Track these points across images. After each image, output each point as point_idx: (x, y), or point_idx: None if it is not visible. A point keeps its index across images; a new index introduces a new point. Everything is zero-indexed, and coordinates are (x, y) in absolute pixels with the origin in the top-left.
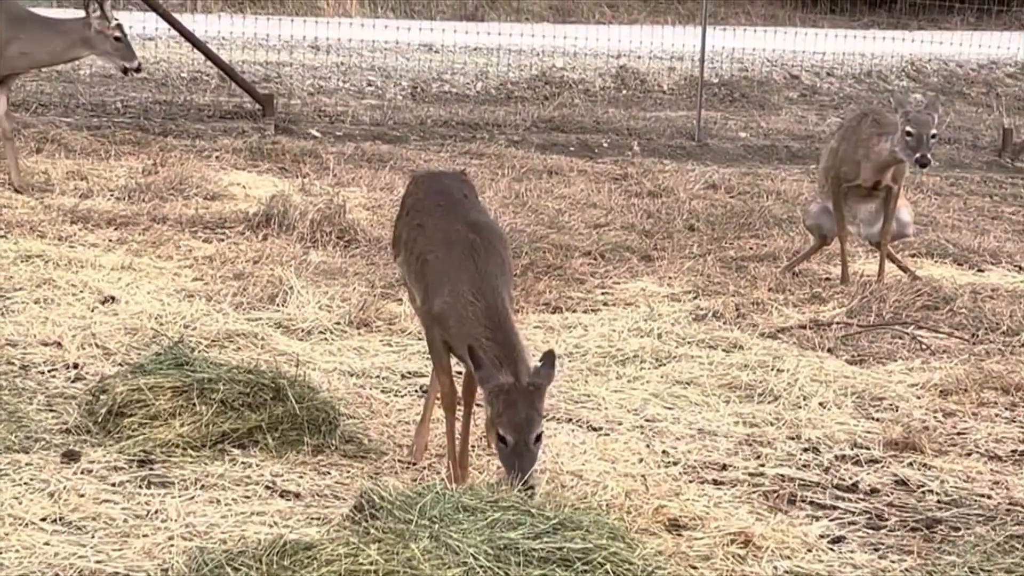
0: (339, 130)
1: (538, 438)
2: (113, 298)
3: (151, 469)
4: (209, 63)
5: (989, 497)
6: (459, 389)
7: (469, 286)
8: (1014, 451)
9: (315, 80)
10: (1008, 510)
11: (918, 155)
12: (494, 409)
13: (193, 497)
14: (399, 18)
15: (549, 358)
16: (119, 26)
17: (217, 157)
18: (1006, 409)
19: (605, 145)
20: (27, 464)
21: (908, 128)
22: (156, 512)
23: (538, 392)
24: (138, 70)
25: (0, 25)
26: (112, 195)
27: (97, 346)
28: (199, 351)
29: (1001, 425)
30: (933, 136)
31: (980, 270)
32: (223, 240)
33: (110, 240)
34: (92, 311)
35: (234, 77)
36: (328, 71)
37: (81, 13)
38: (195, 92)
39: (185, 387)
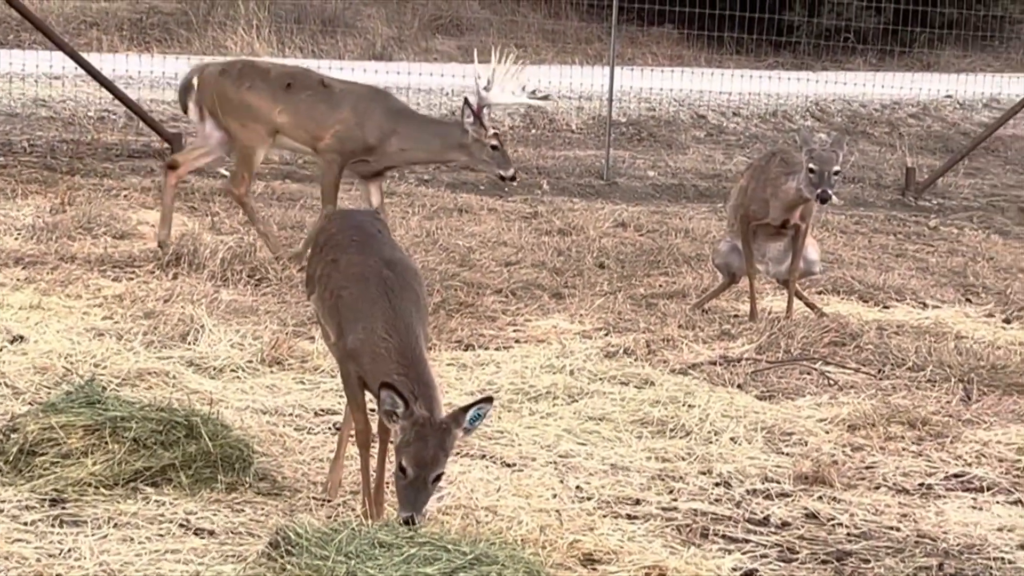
0: None
1: (438, 477)
2: (22, 337)
3: (63, 508)
4: (116, 102)
5: (898, 529)
6: (374, 426)
7: (383, 322)
8: (921, 484)
9: None
10: (916, 542)
11: (819, 190)
12: (402, 438)
13: (106, 536)
14: (307, 57)
15: (486, 405)
16: (496, 134)
17: (125, 196)
18: (913, 443)
19: (515, 184)
20: None
21: (811, 165)
22: (69, 551)
23: (448, 431)
24: (514, 179)
25: (381, 118)
26: (19, 234)
27: (7, 385)
28: (111, 390)
29: (908, 459)
30: (836, 172)
31: (885, 307)
32: (133, 279)
33: (18, 279)
34: (1, 351)
35: (142, 116)
36: None
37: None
38: (103, 131)
39: (97, 426)
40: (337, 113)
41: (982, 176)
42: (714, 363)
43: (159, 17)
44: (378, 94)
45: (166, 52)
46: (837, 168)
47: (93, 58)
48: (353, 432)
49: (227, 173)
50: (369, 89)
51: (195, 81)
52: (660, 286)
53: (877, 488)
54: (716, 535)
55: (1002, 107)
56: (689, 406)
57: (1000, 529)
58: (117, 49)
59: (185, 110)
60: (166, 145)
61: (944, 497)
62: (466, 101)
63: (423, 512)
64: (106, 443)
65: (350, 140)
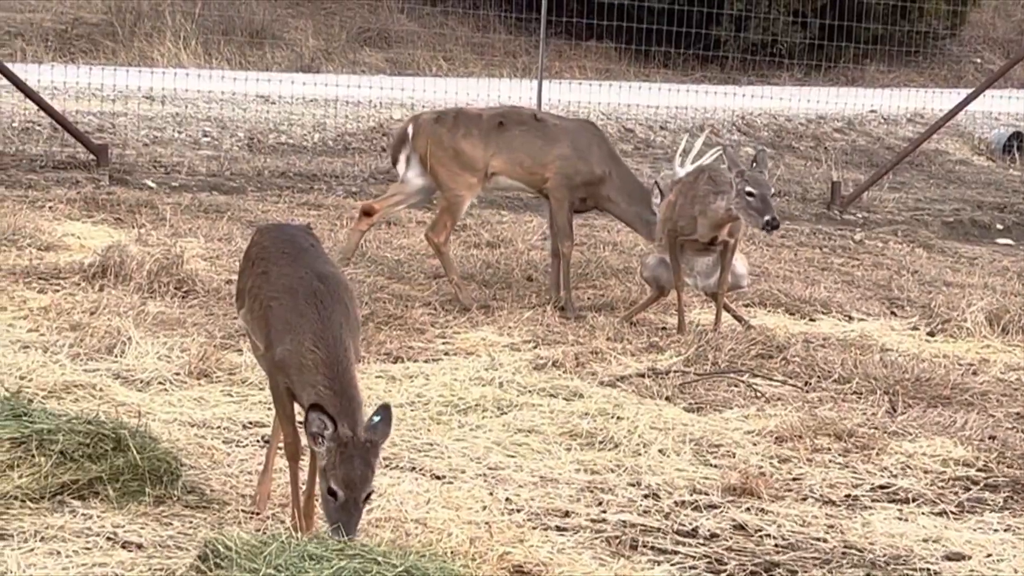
0: (175, 180)
1: (368, 496)
2: None
3: None
4: (41, 113)
5: (825, 541)
6: (303, 438)
7: (311, 334)
8: (847, 496)
9: (150, 130)
10: (843, 553)
11: (767, 218)
12: (328, 460)
13: (33, 549)
14: (234, 69)
15: (386, 413)
16: None
17: (51, 207)
18: (839, 455)
19: None
20: None
21: (749, 189)
22: None
23: (374, 449)
24: None
25: (603, 151)
26: None
27: None
28: (37, 402)
29: (834, 470)
30: (772, 195)
31: (811, 319)
32: (58, 291)
33: None
34: None
35: (67, 127)
36: (163, 121)
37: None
38: (27, 142)
39: (23, 438)
40: (555, 148)
41: (906, 190)
42: (642, 375)
43: (84, 28)
44: (595, 128)
45: (91, 63)
46: (773, 190)
47: (17, 68)
48: (282, 444)
49: (153, 185)
50: (583, 123)
51: (410, 130)
52: (588, 299)
53: (804, 499)
54: (645, 547)
55: (926, 122)
56: (618, 418)
57: (926, 540)
58: (42, 59)
59: (395, 162)
60: (92, 157)
61: (870, 508)
62: (656, 184)
63: (356, 532)
64: (32, 456)
65: (576, 174)
